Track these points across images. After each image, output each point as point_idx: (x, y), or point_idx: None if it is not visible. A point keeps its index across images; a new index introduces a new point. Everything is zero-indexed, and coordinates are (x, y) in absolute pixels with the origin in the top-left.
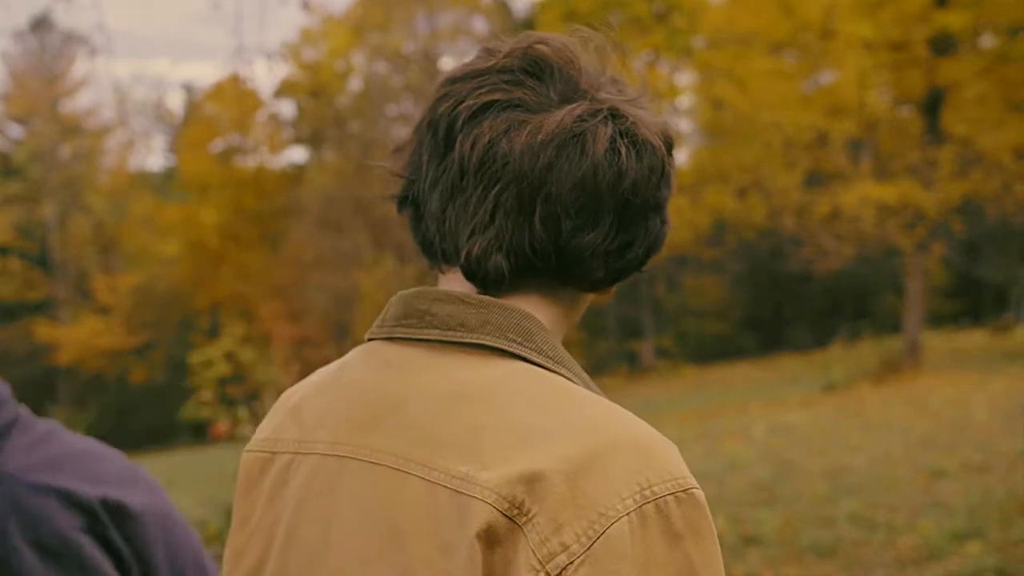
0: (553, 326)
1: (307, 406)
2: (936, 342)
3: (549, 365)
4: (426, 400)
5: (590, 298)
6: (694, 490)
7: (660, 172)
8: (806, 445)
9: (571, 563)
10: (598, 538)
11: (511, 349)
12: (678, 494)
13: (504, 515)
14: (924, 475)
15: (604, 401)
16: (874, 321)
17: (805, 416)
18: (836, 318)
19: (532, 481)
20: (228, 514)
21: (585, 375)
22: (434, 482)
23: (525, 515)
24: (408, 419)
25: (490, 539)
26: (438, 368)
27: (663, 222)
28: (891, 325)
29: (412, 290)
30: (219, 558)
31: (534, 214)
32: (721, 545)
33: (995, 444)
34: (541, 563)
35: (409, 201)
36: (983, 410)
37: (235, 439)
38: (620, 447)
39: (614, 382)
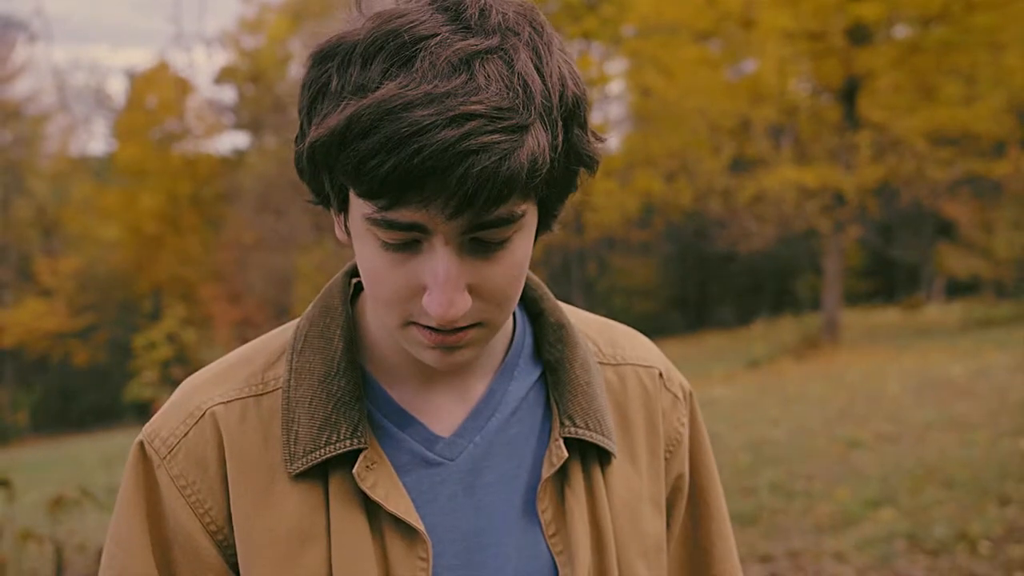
0: None
1: None
2: (852, 319)
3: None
4: None
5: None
6: (145, 444)
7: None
8: (730, 418)
9: None
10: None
11: None
12: (144, 441)
13: None
14: (840, 446)
15: (241, 350)
16: (794, 299)
17: (729, 391)
18: (759, 297)
19: None
20: None
21: (310, 318)
22: None
23: None
24: None
25: None
26: None
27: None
28: (810, 303)
29: None
30: None
31: None
32: None
33: (906, 415)
34: None
35: None
36: (895, 383)
37: None
38: (177, 389)
39: None
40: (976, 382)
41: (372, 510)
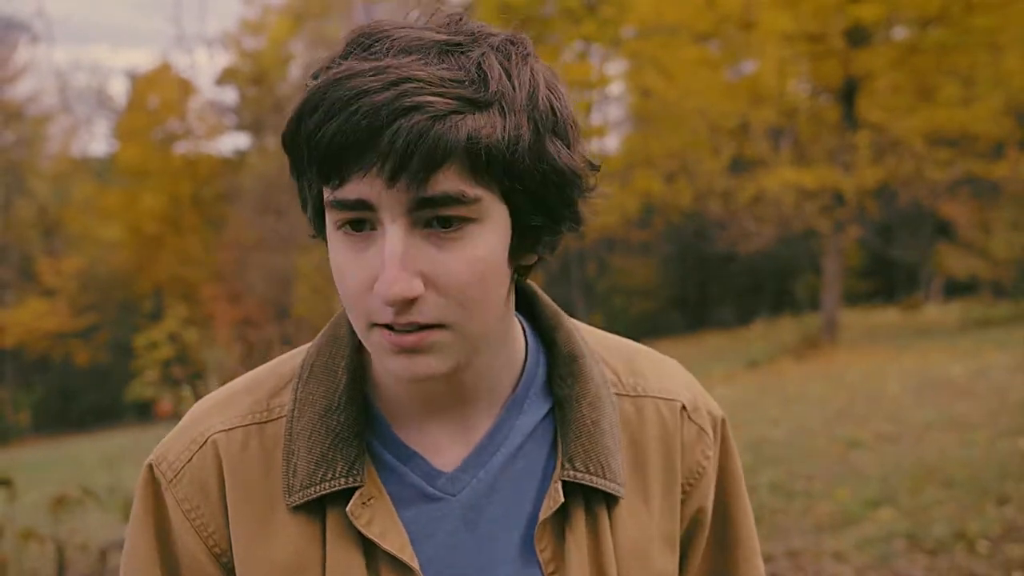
0: None
1: None
2: (852, 319)
3: None
4: None
5: None
6: (153, 466)
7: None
8: (730, 418)
9: None
10: None
11: None
12: (153, 464)
13: None
14: (840, 445)
15: (252, 374)
16: (794, 300)
17: (729, 390)
18: (759, 297)
19: None
20: None
21: (319, 346)
22: None
23: None
24: None
25: None
26: None
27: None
28: (810, 303)
29: None
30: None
31: None
32: None
33: (906, 415)
34: None
35: None
36: (895, 383)
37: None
38: (187, 412)
39: None
40: (976, 382)
41: (368, 546)
